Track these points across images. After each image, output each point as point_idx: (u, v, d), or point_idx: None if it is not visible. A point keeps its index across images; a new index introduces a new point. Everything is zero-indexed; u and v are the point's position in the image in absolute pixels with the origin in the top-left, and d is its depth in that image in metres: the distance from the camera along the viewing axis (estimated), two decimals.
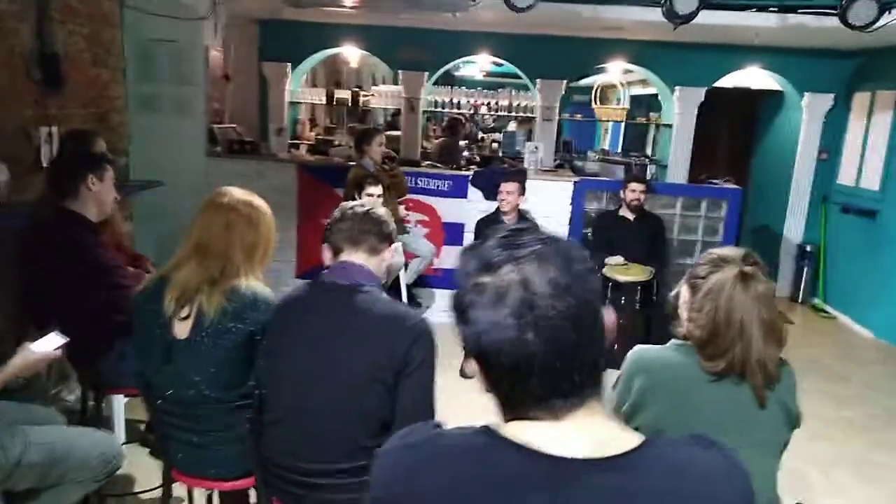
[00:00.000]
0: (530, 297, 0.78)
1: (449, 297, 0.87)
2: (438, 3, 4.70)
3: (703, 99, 6.69)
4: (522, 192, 4.95)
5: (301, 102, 7.00)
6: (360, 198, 4.24)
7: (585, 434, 0.82)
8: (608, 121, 7.22)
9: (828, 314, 6.45)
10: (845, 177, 6.46)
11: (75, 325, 2.33)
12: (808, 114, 6.66)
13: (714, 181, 5.81)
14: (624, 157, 6.96)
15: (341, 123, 9.38)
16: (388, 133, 7.00)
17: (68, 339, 2.00)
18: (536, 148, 5.68)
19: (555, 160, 6.95)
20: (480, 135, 9.00)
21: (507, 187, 4.75)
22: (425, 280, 5.43)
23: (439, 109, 7.00)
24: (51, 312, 2.44)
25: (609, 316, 4.31)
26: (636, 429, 1.65)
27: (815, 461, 3.62)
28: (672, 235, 5.43)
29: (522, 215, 4.91)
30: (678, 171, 6.81)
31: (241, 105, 6.50)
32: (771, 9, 5.26)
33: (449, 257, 5.44)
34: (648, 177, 6.90)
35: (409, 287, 5.02)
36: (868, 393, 4.68)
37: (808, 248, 6.68)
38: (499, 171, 5.22)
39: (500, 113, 7.40)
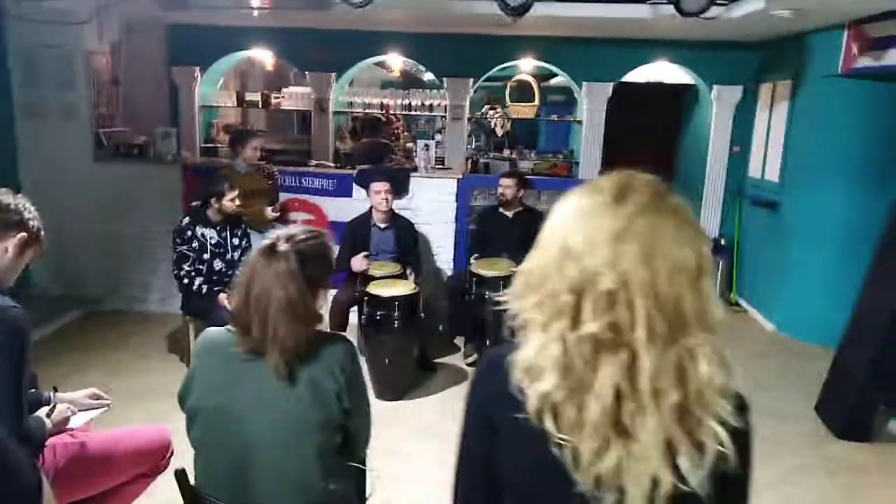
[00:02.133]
0: None
1: None
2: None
3: (610, 94, 6.64)
4: (397, 192, 4.92)
5: (214, 106, 7.01)
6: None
7: None
8: (518, 118, 7.17)
9: (740, 308, 6.38)
10: (754, 169, 6.39)
11: None
12: (717, 107, 6.59)
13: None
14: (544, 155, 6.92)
15: (287, 128, 9.36)
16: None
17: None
18: (427, 146, 5.66)
19: (472, 157, 6.95)
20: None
21: (376, 187, 4.73)
22: None
23: (349, 110, 7.03)
24: None
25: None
26: (189, 410, 1.64)
27: None
28: None
29: (394, 214, 4.89)
30: (590, 167, 6.76)
31: (149, 109, 6.54)
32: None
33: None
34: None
35: None
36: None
37: (723, 243, 6.61)
38: (375, 170, 5.20)
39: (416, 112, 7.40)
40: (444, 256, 5.52)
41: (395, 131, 7.81)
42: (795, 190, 5.55)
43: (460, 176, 5.44)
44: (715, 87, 6.56)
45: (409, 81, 8.77)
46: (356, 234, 4.77)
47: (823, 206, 5.26)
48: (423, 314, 4.33)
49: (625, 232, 0.92)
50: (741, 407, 0.98)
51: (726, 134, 6.65)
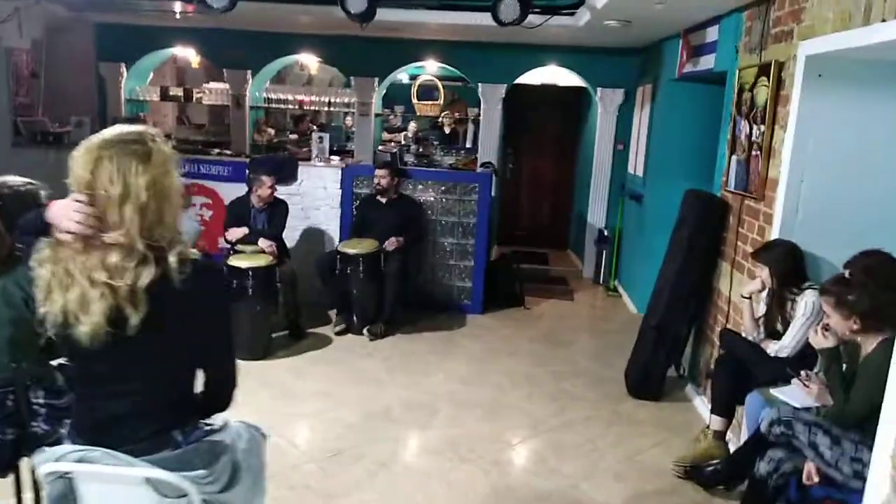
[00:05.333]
0: None
1: None
2: None
3: (504, 94, 7.18)
4: (273, 183, 5.42)
5: (140, 100, 7.54)
6: None
7: None
8: (422, 116, 7.74)
9: (616, 293, 6.92)
10: (632, 165, 6.93)
11: None
12: (602, 107, 7.15)
13: (487, 167, 6.31)
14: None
15: (219, 121, 9.84)
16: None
17: None
18: (321, 138, 6.19)
19: (381, 149, 7.51)
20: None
21: (263, 181, 5.22)
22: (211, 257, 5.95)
23: (266, 105, 7.56)
24: None
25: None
26: None
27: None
28: (435, 216, 5.92)
29: (276, 200, 5.42)
30: (487, 158, 7.29)
31: (75, 101, 7.07)
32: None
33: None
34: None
35: None
36: (569, 366, 5.19)
37: (605, 233, 7.15)
38: (260, 161, 5.77)
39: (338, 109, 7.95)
40: (331, 237, 6.04)
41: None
42: (653, 183, 6.09)
43: (344, 166, 5.97)
44: (599, 89, 7.11)
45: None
46: (233, 213, 5.30)
47: (670, 196, 5.78)
48: (279, 284, 4.88)
49: (96, 164, 1.52)
50: (189, 266, 1.57)
51: (610, 133, 7.21)
